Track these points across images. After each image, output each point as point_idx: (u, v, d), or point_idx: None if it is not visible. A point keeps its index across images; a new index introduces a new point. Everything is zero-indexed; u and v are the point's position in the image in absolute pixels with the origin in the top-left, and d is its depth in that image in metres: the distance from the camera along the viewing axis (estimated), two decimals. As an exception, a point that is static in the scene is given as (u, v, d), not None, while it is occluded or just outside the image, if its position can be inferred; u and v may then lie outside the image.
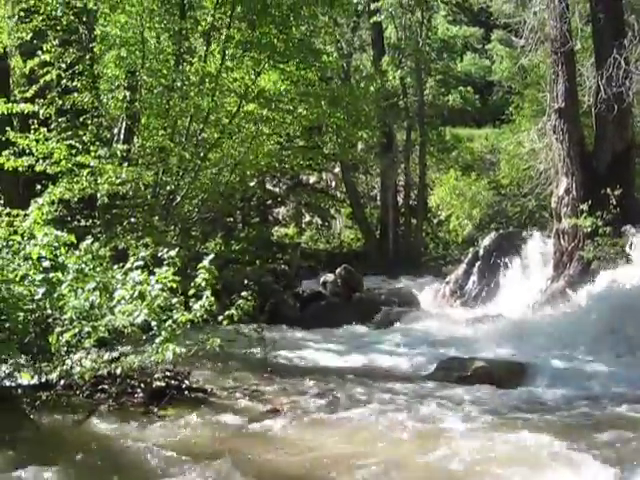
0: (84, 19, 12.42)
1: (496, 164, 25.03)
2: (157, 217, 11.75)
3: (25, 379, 6.44)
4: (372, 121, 18.67)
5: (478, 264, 17.52)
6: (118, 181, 10.93)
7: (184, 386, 7.29)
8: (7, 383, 6.55)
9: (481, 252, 17.68)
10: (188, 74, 12.61)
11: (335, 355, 11.11)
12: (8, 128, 11.29)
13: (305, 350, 11.41)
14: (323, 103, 14.37)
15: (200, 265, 6.75)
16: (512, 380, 9.03)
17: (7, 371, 6.39)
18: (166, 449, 5.54)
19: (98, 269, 6.88)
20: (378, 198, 27.64)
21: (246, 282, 8.76)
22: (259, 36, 12.92)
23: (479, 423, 6.80)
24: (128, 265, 6.90)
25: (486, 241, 17.91)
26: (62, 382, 6.54)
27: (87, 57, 12.19)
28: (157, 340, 6.38)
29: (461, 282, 17.62)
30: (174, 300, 6.61)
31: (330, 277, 18.05)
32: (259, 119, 13.43)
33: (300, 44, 13.57)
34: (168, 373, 7.28)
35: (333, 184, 28.71)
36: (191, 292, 6.72)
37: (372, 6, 25.37)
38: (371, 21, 26.05)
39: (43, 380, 6.61)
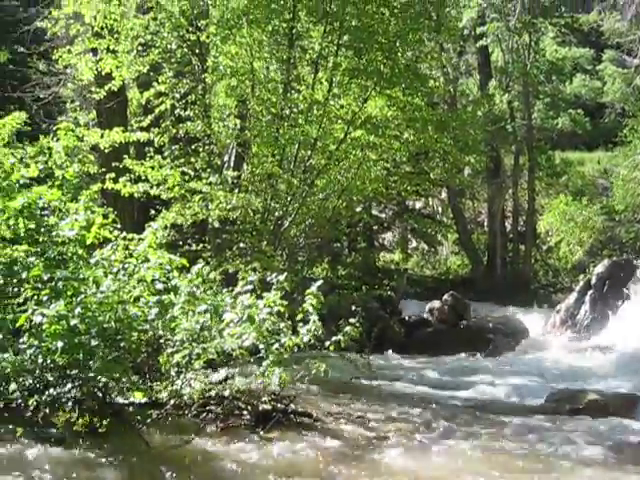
0: (197, 51, 12.89)
1: (609, 189, 24.15)
2: (265, 242, 11.95)
3: (137, 397, 6.63)
4: (479, 146, 18.42)
5: (590, 292, 16.90)
6: (228, 207, 11.21)
7: (290, 410, 7.29)
8: (120, 400, 6.78)
9: (594, 280, 17.05)
10: (296, 102, 12.83)
11: (442, 383, 10.91)
12: (125, 156, 11.82)
13: (411, 377, 11.27)
14: (430, 128, 14.29)
15: (308, 291, 6.79)
16: (627, 414, 8.60)
17: (120, 389, 6.61)
18: (271, 472, 5.57)
19: (208, 292, 7.05)
20: (485, 224, 27.16)
21: (353, 308, 8.76)
22: (366, 63, 13.03)
23: (594, 457, 6.50)
24: (237, 289, 7.04)
25: (599, 268, 17.26)
26: (172, 402, 6.68)
27: (199, 87, 12.62)
28: (264, 363, 6.45)
29: (572, 311, 17.04)
30: (281, 324, 6.69)
31: (436, 304, 17.81)
32: (366, 145, 13.49)
33: (406, 70, 13.59)
34: (274, 396, 7.30)
35: (440, 210, 28.42)
36: (298, 317, 6.77)
37: (478, 30, 25.17)
38: (477, 45, 25.82)
39: (153, 399, 6.80)
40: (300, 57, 13.50)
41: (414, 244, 27.25)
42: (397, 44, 13.31)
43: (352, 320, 7.21)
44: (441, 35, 16.76)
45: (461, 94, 26.92)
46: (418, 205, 27.65)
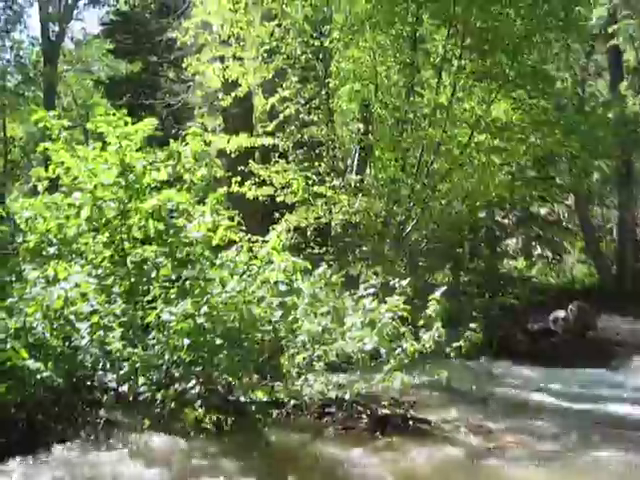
0: (320, 56, 13.02)
1: None
2: (387, 246, 11.92)
3: (259, 396, 6.75)
4: (609, 150, 17.64)
5: None
6: (351, 210, 11.28)
7: (409, 416, 7.20)
8: (243, 399, 6.92)
9: None
10: (420, 106, 12.73)
11: (567, 395, 10.45)
12: (251, 160, 12.11)
13: (534, 387, 10.87)
14: (557, 132, 13.81)
15: (431, 297, 6.71)
16: None
17: (243, 388, 6.75)
18: (387, 477, 5.51)
19: (330, 295, 7.08)
20: (614, 232, 26.00)
21: (474, 315, 8.61)
22: (490, 65, 12.75)
23: None
24: (359, 292, 7.04)
25: None
26: (292, 402, 6.76)
27: (323, 92, 12.75)
28: (385, 368, 6.42)
29: None
30: (403, 329, 6.64)
31: (561, 313, 17.19)
32: (490, 149, 13.19)
33: (532, 71, 13.19)
34: (394, 401, 7.26)
35: (566, 216, 27.45)
36: (420, 322, 6.70)
37: (609, 29, 24.11)
38: (608, 45, 24.74)
39: (274, 399, 6.90)
40: (423, 60, 13.36)
41: (538, 251, 26.44)
42: (523, 45, 12.95)
43: (473, 325, 7.07)
44: (569, 35, 16.17)
45: (590, 96, 25.90)
46: (543, 211, 26.78)
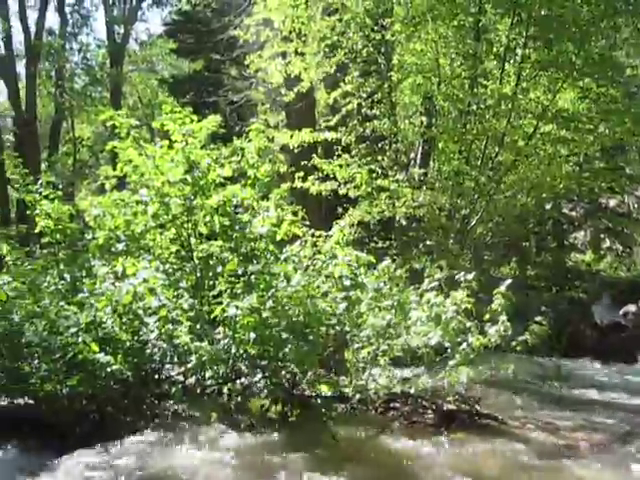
0: (382, 50, 12.95)
1: None
2: (452, 240, 11.81)
3: (323, 390, 6.77)
4: (683, 139, 17.03)
5: None
6: (415, 204, 11.20)
7: (474, 412, 7.11)
8: (307, 393, 6.95)
9: None
10: (483, 97, 12.54)
11: (638, 393, 10.19)
12: (314, 155, 12.14)
13: (605, 385, 10.61)
14: (626, 121, 13.41)
15: (496, 290, 6.62)
16: None
17: (308, 381, 6.78)
18: (455, 474, 5.44)
19: (394, 289, 7.05)
20: (689, 224, 25.14)
21: (542, 309, 8.46)
22: (556, 54, 12.46)
23: None
24: (423, 286, 6.99)
25: None
26: (357, 396, 6.76)
27: (385, 85, 12.68)
28: (450, 363, 6.36)
29: None
30: (468, 324, 6.56)
31: (632, 308, 16.73)
32: (556, 140, 12.91)
33: (600, 59, 12.83)
34: (459, 397, 7.17)
35: (636, 207, 26.68)
36: (486, 317, 6.61)
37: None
38: (683, 28, 23.91)
39: (339, 393, 6.91)
40: (486, 51, 13.13)
41: (607, 244, 25.75)
42: (590, 32, 12.61)
43: (539, 319, 6.94)
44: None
45: (663, 83, 25.07)
46: (612, 203, 26.08)
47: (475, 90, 12.51)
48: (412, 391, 6.76)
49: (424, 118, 12.82)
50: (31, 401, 6.72)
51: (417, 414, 6.92)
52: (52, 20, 27.13)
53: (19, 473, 5.25)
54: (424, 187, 11.69)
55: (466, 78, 12.79)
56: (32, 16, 25.07)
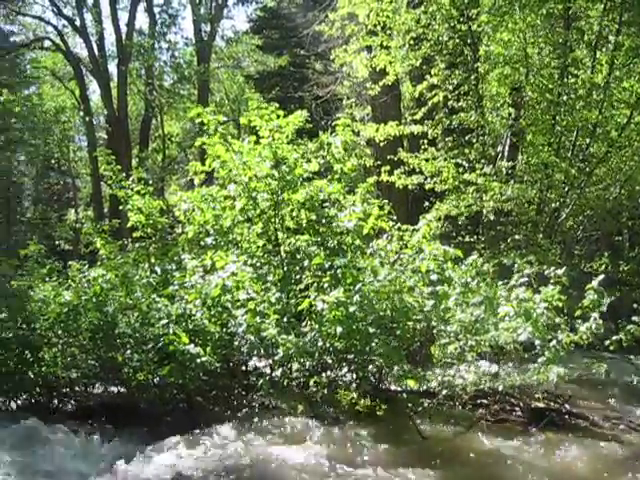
0: (469, 41, 12.73)
1: None
2: (541, 234, 11.54)
3: (409, 385, 6.73)
4: None
5: None
6: (503, 198, 10.98)
7: (564, 410, 6.95)
8: (393, 387, 6.93)
9: None
10: (574, 87, 12.16)
11: None
12: (399, 149, 12.08)
13: (703, 385, 10.16)
14: None
15: (588, 286, 6.42)
16: None
17: (394, 376, 6.76)
18: (545, 474, 5.33)
19: (482, 284, 6.93)
20: None
21: (635, 306, 8.15)
22: (651, 41, 11.97)
23: None
24: (512, 282, 6.85)
25: None
26: (444, 392, 6.68)
27: (472, 77, 12.47)
28: (540, 360, 6.21)
29: None
30: (558, 320, 6.40)
31: None
32: (653, 130, 12.41)
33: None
34: (548, 395, 7.03)
35: None
36: (577, 313, 6.42)
37: None
38: None
39: (425, 388, 6.86)
40: (577, 39, 12.72)
41: None
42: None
43: (635, 319, 6.69)
44: None
45: None
46: None
47: (565, 80, 12.14)
48: (500, 388, 6.62)
49: (512, 110, 12.52)
50: (124, 390, 6.96)
51: (505, 411, 6.82)
52: (142, 20, 27.95)
53: (114, 458, 5.42)
54: (512, 180, 11.44)
55: (555, 68, 12.42)
56: (123, 17, 25.89)
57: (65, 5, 26.20)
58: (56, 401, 7.10)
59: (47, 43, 27.13)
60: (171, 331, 6.49)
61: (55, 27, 26.32)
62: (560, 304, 6.42)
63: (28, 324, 7.14)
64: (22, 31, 29.35)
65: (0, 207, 30.33)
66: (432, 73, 12.54)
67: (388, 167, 11.55)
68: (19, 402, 7.05)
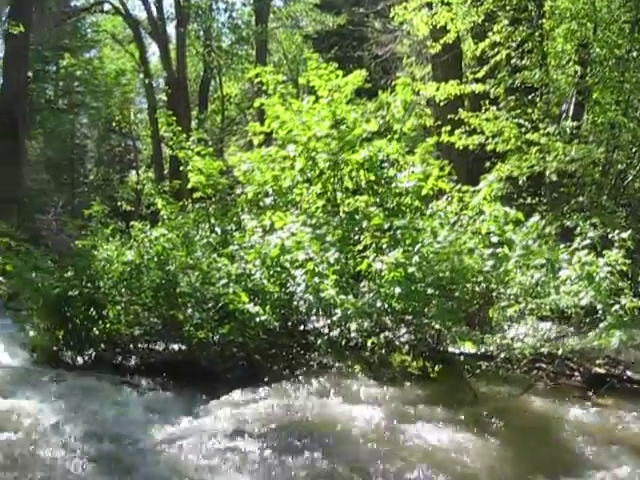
0: (534, -4, 12.35)
1: None
2: (606, 196, 11.23)
3: (467, 347, 6.69)
4: None
5: None
6: (567, 159, 10.71)
7: (625, 377, 6.81)
8: (450, 349, 6.91)
9: None
10: (644, 42, 11.69)
11: None
12: (460, 108, 11.87)
13: None
14: None
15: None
16: None
17: (451, 338, 6.74)
18: (599, 438, 5.22)
19: (544, 247, 6.81)
20: None
21: None
22: None
23: None
24: (575, 245, 6.70)
25: None
26: (502, 355, 6.64)
27: (536, 34, 12.10)
28: (602, 325, 6.09)
29: None
30: (622, 284, 6.24)
31: None
32: None
33: None
34: (609, 360, 6.89)
35: None
36: (642, 277, 6.27)
37: None
38: None
39: (483, 350, 6.82)
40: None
41: None
42: None
43: None
44: None
45: None
46: None
47: (636, 35, 11.67)
48: (559, 352, 6.54)
49: (578, 67, 12.11)
50: (185, 347, 7.11)
51: (564, 376, 6.73)
52: (199, -19, 27.85)
53: (176, 414, 5.56)
54: (577, 140, 11.12)
55: (626, 22, 11.94)
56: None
57: (124, -33, 26.36)
58: (120, 357, 7.29)
59: (107, 7, 27.34)
60: (231, 290, 6.59)
61: (115, -10, 26.54)
62: (624, 268, 6.26)
63: (93, 282, 7.32)
64: (82, -5, 29.68)
65: (64, 169, 30.95)
66: (495, 30, 12.19)
67: (449, 127, 11.36)
68: (85, 357, 7.27)
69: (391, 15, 14.07)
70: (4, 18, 20.18)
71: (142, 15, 26.87)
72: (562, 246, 6.94)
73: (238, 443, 4.79)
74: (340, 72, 8.20)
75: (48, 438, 4.80)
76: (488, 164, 11.39)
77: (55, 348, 7.25)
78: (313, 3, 28.06)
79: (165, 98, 26.15)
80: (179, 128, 9.44)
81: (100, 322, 7.20)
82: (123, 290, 7.30)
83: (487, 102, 11.57)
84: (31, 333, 7.61)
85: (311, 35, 28.51)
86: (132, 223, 8.91)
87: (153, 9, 24.99)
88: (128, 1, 27.07)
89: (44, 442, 4.73)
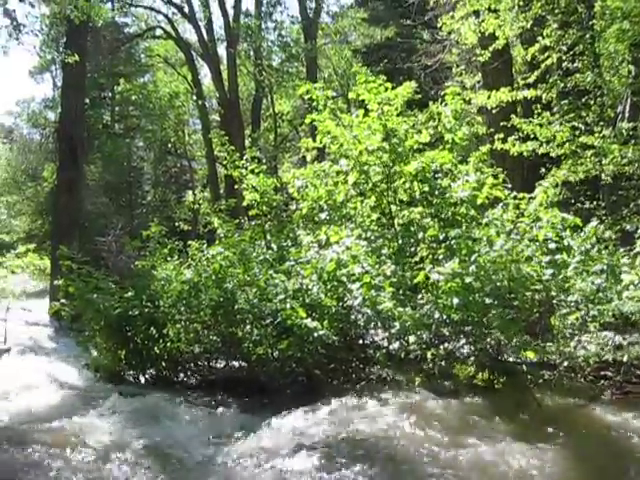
0: (583, -2, 12.17)
1: None
2: (667, 199, 10.96)
3: (529, 357, 6.58)
4: None
5: None
6: (624, 161, 10.49)
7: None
8: (513, 359, 6.80)
9: None
10: None
11: None
12: (513, 115, 11.75)
13: None
14: None
15: None
16: None
17: (512, 348, 6.64)
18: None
19: (604, 252, 6.68)
20: None
21: None
22: None
23: None
24: (637, 248, 6.56)
25: None
26: (565, 364, 6.51)
27: (587, 36, 11.91)
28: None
29: None
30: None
31: None
32: None
33: None
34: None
35: None
36: None
37: None
38: None
39: (545, 359, 6.69)
40: None
41: None
42: None
43: None
44: None
45: None
46: None
47: (691, 32, 11.40)
48: (625, 359, 6.39)
49: (632, 67, 11.88)
50: (244, 364, 7.18)
51: (631, 384, 6.54)
52: (248, 2, 28.35)
53: (238, 431, 5.62)
54: (633, 141, 10.88)
55: (680, 19, 11.68)
56: (229, 0, 26.32)
57: (174, -7, 26.94)
58: (181, 375, 7.40)
59: (159, 32, 28.03)
60: (288, 306, 6.63)
61: (165, 15, 27.18)
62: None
63: (152, 302, 7.46)
64: (135, 22, 30.51)
65: (122, 192, 31.63)
66: (544, 34, 12.05)
67: (501, 134, 11.26)
68: (147, 376, 7.39)
69: (439, 25, 14.02)
70: (61, 48, 20.84)
71: (193, 38, 27.46)
72: (622, 250, 6.80)
73: (300, 460, 4.82)
74: (389, 85, 8.21)
75: (114, 455, 4.92)
76: (543, 170, 11.24)
77: (117, 367, 7.40)
78: (361, 17, 28.15)
79: (218, 118, 26.53)
80: (233, 147, 9.58)
81: (160, 341, 7.32)
82: (182, 309, 7.42)
83: (540, 107, 11.42)
84: (94, 353, 7.79)
85: (360, 49, 28.58)
86: (190, 242, 9.07)
87: (203, 32, 25.46)
88: (179, 25, 27.72)
89: (110, 459, 4.85)
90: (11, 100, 73.93)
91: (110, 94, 32.07)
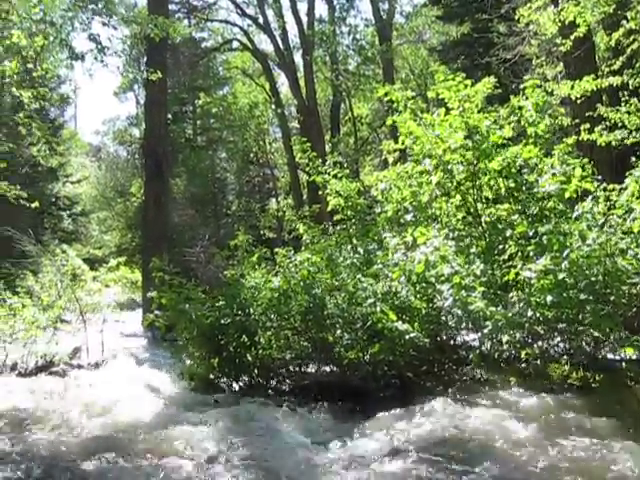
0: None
1: None
2: None
3: (629, 353, 6.37)
4: None
5: None
6: None
7: None
8: (611, 356, 6.60)
9: None
10: None
11: None
12: (599, 104, 11.42)
13: None
14: None
15: None
16: None
17: (610, 344, 6.45)
18: None
19: None
20: None
21: None
22: None
23: None
24: None
25: None
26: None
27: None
28: None
29: None
30: None
31: None
32: None
33: None
34: None
35: None
36: None
37: None
38: None
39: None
40: None
41: None
42: None
43: None
44: None
45: None
46: None
47: None
48: None
49: None
50: (336, 368, 7.20)
51: None
52: (321, 8, 28.54)
53: (333, 436, 5.63)
54: None
55: None
56: (302, 8, 26.58)
57: (248, 5, 27.45)
58: (273, 381, 7.48)
59: (235, 44, 28.59)
60: (378, 309, 6.62)
61: (241, 28, 27.69)
62: None
63: (243, 310, 7.57)
64: (211, 36, 31.14)
65: (207, 203, 32.33)
66: (629, 17, 11.65)
67: (587, 125, 10.94)
68: (240, 383, 7.51)
69: (516, 17, 13.75)
70: (142, 67, 21.50)
71: (269, 48, 27.85)
72: None
73: (396, 464, 4.80)
74: (469, 81, 8.11)
75: (212, 463, 5.00)
76: (633, 159, 10.87)
77: (211, 376, 7.54)
78: (435, 15, 27.90)
79: (298, 125, 26.79)
80: (314, 153, 9.65)
81: (252, 348, 7.42)
82: (272, 316, 7.50)
83: (627, 94, 11.05)
84: (187, 362, 7.96)
85: (436, 47, 28.33)
86: (276, 250, 9.17)
87: (279, 41, 25.80)
88: (255, 36, 28.16)
89: (208, 467, 4.93)
90: (98, 120, 76.93)
91: (191, 108, 32.87)
